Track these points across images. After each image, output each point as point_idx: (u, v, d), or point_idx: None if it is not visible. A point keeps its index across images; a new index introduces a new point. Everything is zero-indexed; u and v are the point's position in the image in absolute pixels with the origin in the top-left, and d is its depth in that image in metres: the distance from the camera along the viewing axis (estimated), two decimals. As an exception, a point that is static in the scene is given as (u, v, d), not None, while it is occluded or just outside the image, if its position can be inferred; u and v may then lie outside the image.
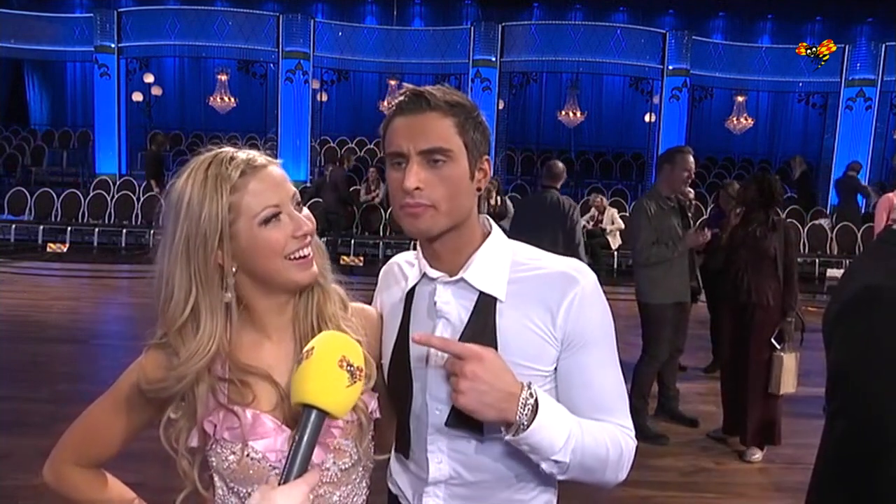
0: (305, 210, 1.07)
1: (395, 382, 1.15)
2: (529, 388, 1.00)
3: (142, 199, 10.75)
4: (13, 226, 10.37)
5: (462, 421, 1.05)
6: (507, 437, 1.00)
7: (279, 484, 0.83)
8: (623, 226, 9.43)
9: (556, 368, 1.10)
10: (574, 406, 1.07)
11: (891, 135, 13.29)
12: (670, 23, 16.28)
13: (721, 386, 4.07)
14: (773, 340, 3.71)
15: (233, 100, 13.74)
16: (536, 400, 0.99)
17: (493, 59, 13.10)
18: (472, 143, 1.08)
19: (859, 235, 10.10)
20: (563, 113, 14.25)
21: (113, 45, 13.06)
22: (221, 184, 0.99)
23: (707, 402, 4.61)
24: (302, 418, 0.86)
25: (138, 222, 10.60)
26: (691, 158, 4.00)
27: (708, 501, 3.41)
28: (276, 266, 1.02)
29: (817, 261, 9.77)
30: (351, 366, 0.89)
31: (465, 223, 1.10)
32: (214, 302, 1.03)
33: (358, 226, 10.42)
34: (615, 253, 9.49)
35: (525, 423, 0.98)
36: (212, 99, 13.72)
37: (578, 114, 14.14)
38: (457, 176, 1.06)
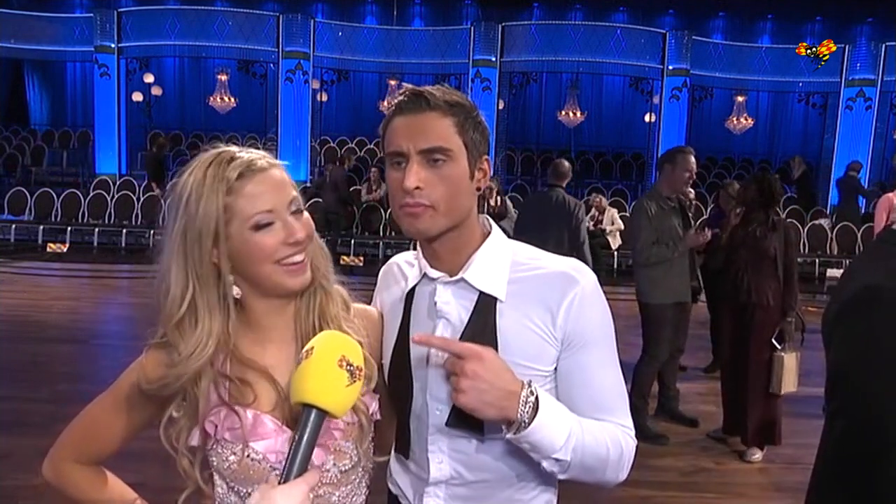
0: (305, 215, 1.06)
1: (395, 383, 1.15)
2: (530, 386, 1.00)
3: (142, 199, 10.75)
4: (13, 226, 10.37)
5: (463, 421, 1.05)
6: (508, 436, 1.00)
7: (279, 483, 0.83)
8: (623, 226, 9.42)
9: (556, 368, 1.10)
10: (574, 406, 1.07)
11: (891, 135, 13.29)
12: (670, 23, 16.28)
13: (721, 386, 4.07)
14: (773, 340, 3.71)
15: (233, 100, 13.74)
16: (537, 398, 0.99)
17: (493, 59, 13.10)
18: (472, 142, 1.08)
19: (859, 235, 10.10)
20: (563, 113, 14.25)
21: (113, 45, 13.06)
22: (218, 184, 0.99)
23: (707, 402, 4.61)
24: (302, 418, 0.86)
25: (138, 222, 10.60)
26: (692, 159, 4.00)
27: (708, 501, 3.41)
28: (267, 270, 1.02)
29: (817, 261, 9.77)
30: (351, 365, 0.89)
31: (464, 223, 1.10)
32: (212, 299, 1.03)
33: (358, 226, 10.42)
34: (615, 253, 9.49)
35: (526, 420, 0.98)
36: (212, 99, 13.72)
37: (578, 114, 14.14)
38: (457, 176, 1.06)
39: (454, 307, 1.11)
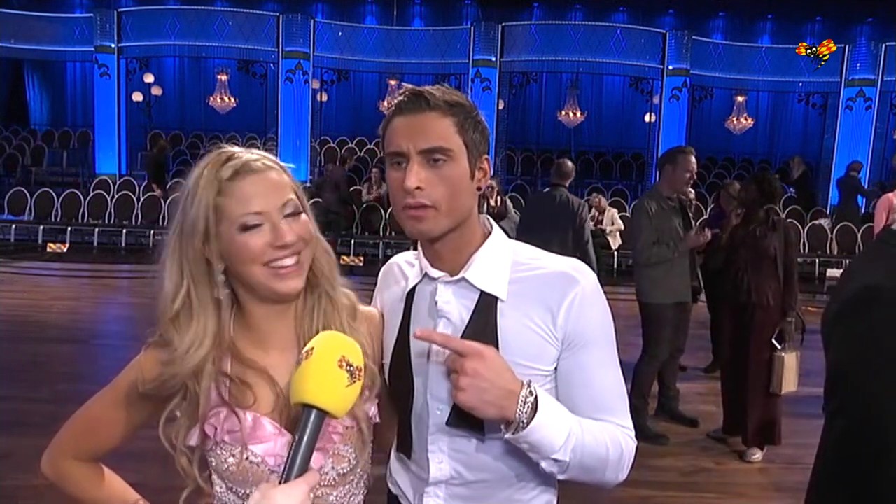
0: (303, 218, 1.05)
1: (395, 382, 1.15)
2: (529, 386, 1.00)
3: (142, 199, 10.75)
4: (13, 226, 10.37)
5: (463, 420, 1.05)
6: (507, 436, 1.00)
7: (280, 483, 0.84)
8: (623, 226, 9.42)
9: (556, 368, 1.10)
10: (574, 406, 1.07)
11: (891, 135, 13.29)
12: (670, 23, 16.28)
13: (721, 386, 4.08)
14: (773, 340, 3.71)
15: (233, 100, 13.74)
16: (536, 398, 0.99)
17: (493, 59, 13.10)
18: (472, 142, 1.08)
19: (859, 235, 10.10)
20: (563, 113, 14.25)
21: (113, 45, 13.06)
22: (211, 183, 1.00)
23: (707, 402, 4.61)
24: (302, 418, 0.86)
25: (138, 222, 10.60)
26: (693, 159, 4.01)
27: (708, 501, 3.41)
28: (255, 272, 1.02)
29: (817, 261, 9.77)
30: (350, 365, 0.89)
31: (465, 223, 1.11)
32: (206, 298, 1.03)
33: (358, 226, 10.42)
34: (615, 253, 9.49)
35: (525, 420, 0.98)
36: (212, 99, 13.72)
37: (578, 114, 14.14)
38: (457, 175, 1.06)
39: (455, 306, 1.11)
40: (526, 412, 0.98)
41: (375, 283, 1.28)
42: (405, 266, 1.23)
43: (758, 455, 3.81)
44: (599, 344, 1.10)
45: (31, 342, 5.67)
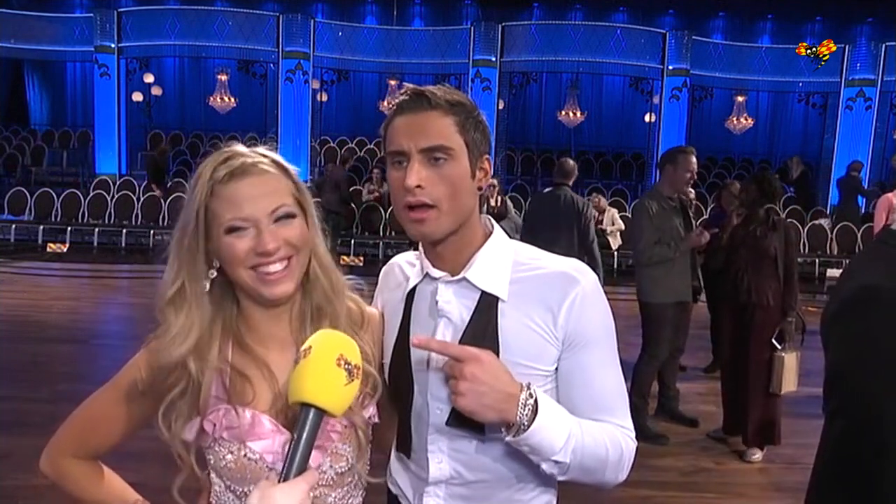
0: (294, 223, 1.04)
1: (395, 382, 1.15)
2: (529, 388, 1.00)
3: (142, 199, 10.75)
4: (13, 226, 10.37)
5: (463, 420, 1.05)
6: (508, 438, 1.00)
7: (279, 482, 0.83)
8: (623, 226, 9.43)
9: (556, 368, 1.10)
10: (574, 406, 1.07)
11: (891, 135, 13.29)
12: (670, 23, 16.27)
13: (721, 386, 4.08)
14: (773, 340, 3.71)
15: (233, 100, 13.74)
16: (536, 401, 0.99)
17: (493, 59, 13.10)
18: (473, 142, 1.08)
19: (859, 235, 10.11)
20: (563, 113, 14.25)
21: (113, 45, 13.06)
22: (205, 184, 1.02)
23: (707, 402, 4.61)
24: (300, 417, 0.86)
25: (138, 222, 10.60)
26: (694, 159, 4.01)
27: (708, 501, 3.41)
28: (242, 275, 1.03)
29: (817, 261, 9.78)
30: (349, 364, 0.89)
31: (466, 223, 1.11)
32: (197, 292, 1.05)
33: (358, 226, 10.42)
34: (615, 253, 9.49)
35: (525, 423, 0.98)
36: (212, 99, 13.72)
37: (578, 114, 14.14)
38: (458, 175, 1.06)
39: (455, 306, 1.11)
40: (526, 415, 0.98)
41: (376, 283, 1.28)
42: (406, 266, 1.23)
43: (758, 455, 3.81)
44: (600, 344, 1.10)
45: (31, 342, 5.67)
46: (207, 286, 1.05)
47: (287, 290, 1.04)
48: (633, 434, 1.11)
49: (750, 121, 14.01)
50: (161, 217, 10.50)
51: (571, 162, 4.94)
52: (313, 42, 13.15)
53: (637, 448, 1.11)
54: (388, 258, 1.32)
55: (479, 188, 1.12)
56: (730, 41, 14.93)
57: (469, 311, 1.09)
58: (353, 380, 0.89)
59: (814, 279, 9.38)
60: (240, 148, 1.07)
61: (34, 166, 13.40)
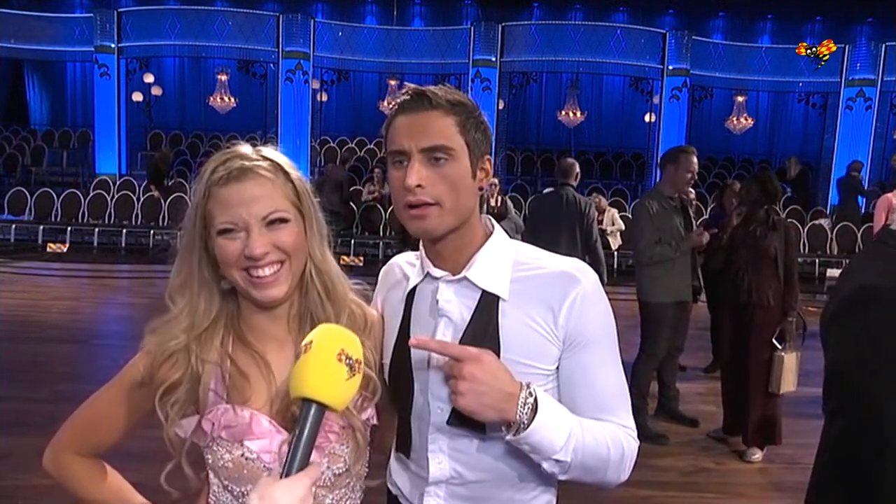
0: (287, 228, 1.05)
1: (396, 382, 1.15)
2: (529, 387, 1.00)
3: (142, 199, 10.75)
4: (13, 226, 10.37)
5: (464, 420, 1.05)
6: (508, 437, 1.00)
7: (281, 478, 0.83)
8: (623, 226, 9.43)
9: (557, 368, 1.10)
10: (575, 405, 1.08)
11: (891, 135, 13.29)
12: (670, 23, 16.27)
13: (721, 386, 4.08)
14: (773, 340, 3.71)
15: (233, 100, 13.74)
16: (536, 399, 0.99)
17: (493, 59, 13.10)
18: (474, 142, 1.08)
19: (859, 235, 10.11)
20: (563, 113, 14.25)
21: (113, 45, 13.06)
22: (203, 185, 1.04)
23: (707, 402, 4.61)
24: (301, 412, 0.86)
25: (138, 222, 10.60)
26: (695, 159, 4.01)
27: (708, 501, 3.41)
28: (234, 276, 1.05)
29: (817, 261, 9.78)
30: (350, 359, 0.88)
31: (467, 222, 1.11)
32: (194, 285, 1.07)
33: (358, 226, 10.42)
34: (615, 253, 9.49)
35: (525, 422, 0.98)
36: (212, 99, 13.72)
37: (578, 114, 14.14)
38: (458, 174, 1.06)
39: (456, 305, 1.11)
40: (526, 413, 0.98)
41: (376, 283, 1.29)
42: (406, 266, 1.23)
43: (758, 455, 3.81)
44: (601, 343, 1.10)
45: (31, 342, 5.67)
46: (227, 284, 1.08)
47: (276, 295, 1.05)
48: (634, 433, 1.11)
49: (750, 121, 14.01)
50: (161, 217, 10.50)
51: (570, 160, 4.92)
52: (313, 42, 13.15)
53: (637, 448, 1.11)
54: (388, 258, 1.32)
55: (480, 188, 1.12)
56: (730, 41, 14.93)
57: (470, 311, 1.09)
58: (354, 374, 0.89)
59: (814, 279, 9.38)
60: (242, 149, 1.07)
61: (34, 166, 13.40)
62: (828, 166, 13.44)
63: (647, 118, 14.28)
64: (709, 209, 9.63)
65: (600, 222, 9.66)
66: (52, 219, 10.55)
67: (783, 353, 3.68)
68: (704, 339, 5.52)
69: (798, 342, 3.77)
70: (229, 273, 1.04)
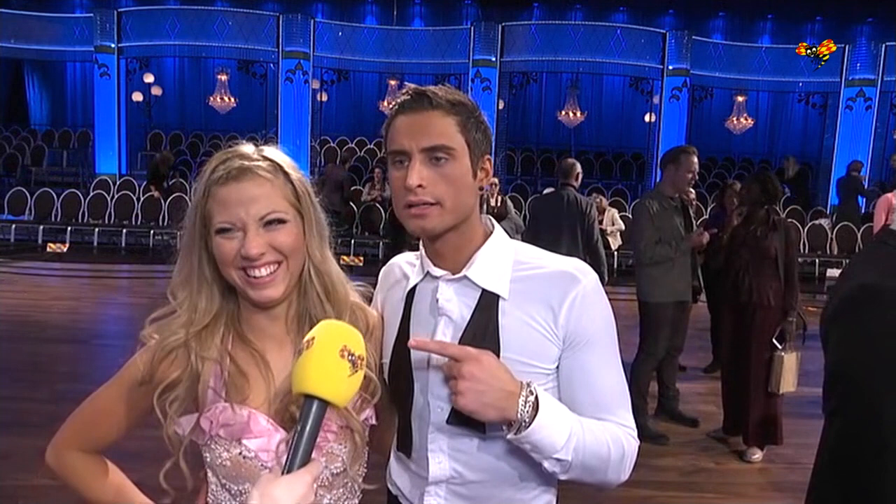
0: (285, 229, 1.05)
1: (395, 382, 1.15)
2: (529, 386, 1.00)
3: (142, 199, 10.75)
4: (13, 226, 10.37)
5: (464, 419, 1.06)
6: (510, 437, 1.00)
7: (283, 474, 0.82)
8: (623, 226, 9.43)
9: (557, 367, 1.10)
10: (575, 405, 1.08)
11: (891, 135, 13.29)
12: (670, 23, 16.27)
13: (721, 386, 4.08)
14: (774, 340, 3.71)
15: (233, 100, 13.74)
16: (537, 398, 0.99)
17: (493, 59, 13.10)
18: (474, 142, 1.08)
19: (859, 235, 10.11)
20: (563, 113, 14.25)
21: (113, 45, 13.06)
22: (203, 183, 1.04)
23: (707, 402, 4.61)
24: (303, 409, 0.85)
25: (138, 222, 10.60)
26: (695, 159, 4.01)
27: (708, 501, 3.41)
28: (232, 275, 1.05)
29: (817, 261, 9.78)
30: (352, 355, 0.88)
31: (466, 221, 1.11)
32: (195, 281, 1.08)
33: (358, 226, 10.43)
34: (615, 253, 9.49)
35: (526, 420, 0.98)
36: (212, 99, 13.72)
37: (578, 114, 14.14)
38: (459, 174, 1.06)
39: (456, 305, 1.11)
40: (527, 412, 0.98)
41: (375, 283, 1.29)
42: (406, 266, 1.23)
43: (758, 455, 3.81)
44: (601, 343, 1.10)
45: (31, 342, 5.67)
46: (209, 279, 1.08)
47: (272, 295, 1.05)
48: (635, 433, 1.11)
49: (750, 121, 14.01)
50: (161, 217, 10.50)
51: (570, 160, 4.93)
52: (313, 42, 13.15)
53: (638, 447, 1.11)
54: (387, 258, 1.32)
55: (480, 188, 1.12)
56: (730, 41, 14.92)
57: (470, 310, 1.09)
58: (356, 370, 0.88)
59: (814, 279, 9.38)
60: (243, 149, 1.07)
61: (34, 166, 13.40)
62: (828, 166, 13.44)
63: (647, 118, 14.28)
64: (709, 209, 9.63)
65: (600, 222, 9.66)
66: (52, 219, 10.55)
67: (783, 353, 3.68)
68: (704, 339, 5.52)
69: (798, 342, 3.77)
70: (227, 272, 1.05)
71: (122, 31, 13.10)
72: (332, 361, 0.86)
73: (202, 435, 1.07)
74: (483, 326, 1.07)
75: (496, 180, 8.08)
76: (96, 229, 10.25)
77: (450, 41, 13.51)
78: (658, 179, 4.49)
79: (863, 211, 11.07)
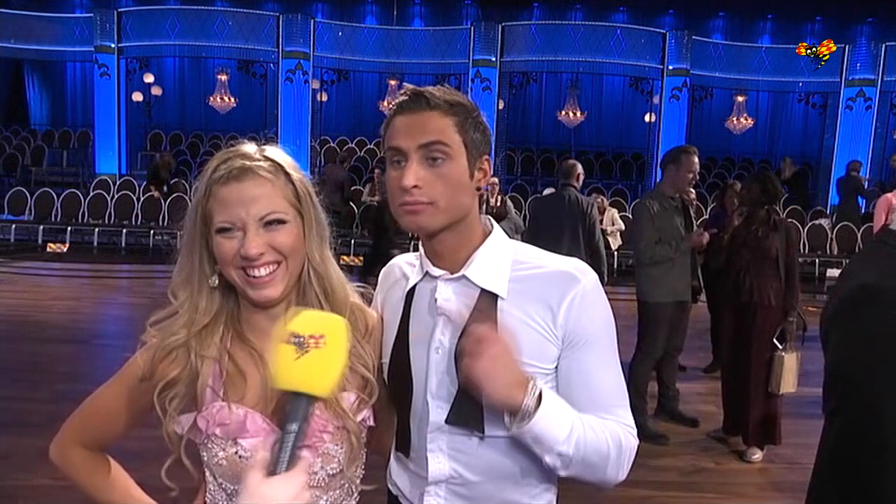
0: (285, 229, 1.05)
1: (394, 382, 1.15)
2: (534, 379, 1.01)
3: (142, 199, 10.75)
4: (13, 226, 10.37)
5: (462, 418, 1.06)
6: (513, 429, 1.00)
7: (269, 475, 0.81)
8: (623, 226, 9.42)
9: (556, 367, 1.10)
10: (574, 404, 1.07)
11: (891, 135, 13.29)
12: (670, 23, 16.27)
13: (721, 386, 4.08)
14: (774, 340, 3.71)
15: (233, 100, 13.74)
16: (540, 391, 1.00)
17: (493, 59, 13.10)
18: (472, 142, 1.08)
19: (859, 235, 10.11)
20: (563, 113, 14.25)
21: (113, 45, 13.06)
22: (204, 183, 1.05)
23: (707, 402, 4.61)
24: (286, 406, 0.85)
25: (138, 222, 10.60)
26: (696, 159, 4.01)
27: (708, 501, 3.41)
28: (231, 274, 1.05)
29: (817, 261, 9.77)
30: (298, 336, 0.85)
31: (464, 221, 1.11)
32: (195, 281, 1.08)
33: (358, 226, 10.43)
34: (615, 253, 9.48)
35: (532, 408, 0.98)
36: (212, 99, 13.72)
37: (578, 114, 14.14)
38: (455, 174, 1.06)
39: (455, 304, 1.11)
40: (533, 402, 0.99)
41: (376, 283, 1.29)
42: (406, 267, 1.23)
43: (758, 455, 3.81)
44: (600, 343, 1.10)
45: (31, 342, 5.67)
46: (216, 281, 1.08)
47: (271, 295, 1.05)
48: (634, 431, 1.11)
49: (750, 121, 14.01)
50: (161, 217, 10.50)
51: (571, 161, 4.96)
52: (313, 42, 13.15)
53: (637, 447, 1.11)
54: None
55: (478, 188, 1.12)
56: (730, 41, 14.92)
57: (469, 309, 1.09)
58: (305, 351, 0.85)
59: (814, 279, 9.38)
60: (245, 149, 1.07)
61: (34, 166, 13.40)
62: (828, 166, 13.44)
63: (647, 118, 14.28)
64: (709, 209, 9.63)
65: (600, 222, 9.65)
66: (52, 219, 10.54)
67: (784, 354, 3.68)
68: (704, 339, 5.52)
69: (799, 342, 3.77)
70: (227, 271, 1.05)
71: (122, 31, 13.10)
72: (279, 351, 0.85)
73: (199, 434, 1.07)
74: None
75: (496, 180, 8.08)
76: (96, 229, 10.25)
77: (450, 41, 13.51)
78: (658, 179, 4.50)
79: (863, 211, 11.07)
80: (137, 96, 13.63)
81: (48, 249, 9.64)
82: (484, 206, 7.61)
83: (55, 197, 10.68)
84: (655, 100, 13.63)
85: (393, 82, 13.58)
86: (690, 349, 4.94)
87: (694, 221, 4.26)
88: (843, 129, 13.22)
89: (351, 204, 10.29)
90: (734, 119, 13.91)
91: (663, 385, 4.38)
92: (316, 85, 13.76)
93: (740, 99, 14.01)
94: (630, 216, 7.29)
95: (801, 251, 9.76)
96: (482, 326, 1.01)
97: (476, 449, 1.10)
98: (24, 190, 10.97)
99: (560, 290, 1.08)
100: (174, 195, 10.53)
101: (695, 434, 4.17)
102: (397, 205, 1.08)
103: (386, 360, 1.17)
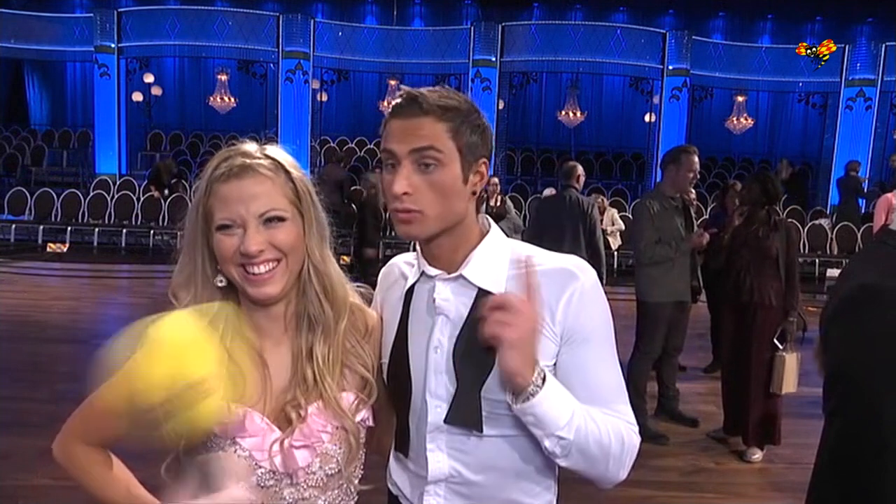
0: (285, 227, 1.05)
1: (393, 381, 1.15)
2: (539, 363, 1.02)
3: (142, 199, 10.75)
4: (13, 226, 10.37)
5: (461, 417, 1.06)
6: (516, 407, 1.01)
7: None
8: (623, 226, 9.42)
9: (555, 364, 1.10)
10: (574, 402, 1.08)
11: (891, 135, 13.29)
12: (670, 23, 16.27)
13: (721, 386, 4.08)
14: (775, 340, 3.71)
15: (233, 100, 13.74)
16: (545, 374, 1.01)
17: (493, 59, 13.10)
18: (467, 147, 1.08)
19: (859, 235, 10.11)
20: (563, 113, 14.25)
21: (113, 45, 13.06)
22: (205, 180, 1.05)
23: (707, 402, 4.61)
24: None
25: (138, 222, 10.60)
26: (696, 159, 4.02)
27: (708, 501, 3.41)
28: (231, 272, 1.06)
29: (817, 261, 9.78)
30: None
31: (459, 224, 1.11)
32: (196, 277, 1.08)
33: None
34: (615, 253, 9.48)
35: (538, 385, 0.99)
36: (212, 99, 13.72)
37: (578, 114, 14.14)
38: (447, 181, 1.06)
39: (453, 304, 1.11)
40: (539, 381, 0.99)
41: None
42: (405, 266, 1.23)
43: (758, 455, 3.81)
44: (598, 340, 1.10)
45: (31, 342, 5.68)
46: (223, 281, 1.09)
47: (271, 293, 1.05)
48: (636, 429, 1.11)
49: (750, 121, 14.01)
50: (161, 217, 10.50)
51: (572, 162, 5.01)
52: (313, 42, 13.15)
53: (639, 444, 1.11)
54: (388, 258, 1.32)
55: (474, 192, 1.12)
56: (730, 41, 14.92)
57: (467, 308, 1.09)
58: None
59: (814, 279, 9.38)
60: (246, 147, 1.08)
61: (34, 166, 13.40)
62: (828, 166, 13.44)
63: (647, 118, 14.28)
64: (709, 209, 9.63)
65: (600, 222, 9.65)
66: (52, 219, 10.55)
67: (784, 354, 3.68)
68: (704, 339, 5.52)
69: (799, 342, 3.77)
70: (227, 269, 1.06)
71: (122, 31, 13.10)
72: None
73: None
74: (480, 325, 1.07)
75: (496, 180, 8.08)
76: (96, 229, 10.26)
77: (450, 41, 13.51)
78: (658, 179, 4.50)
79: (863, 211, 11.07)
80: (137, 96, 13.64)
81: (48, 249, 9.65)
82: (484, 206, 7.61)
83: (55, 197, 10.69)
84: (655, 100, 13.63)
85: (393, 82, 13.57)
86: (690, 349, 4.94)
87: (694, 221, 4.26)
88: (843, 129, 13.22)
89: (351, 204, 10.28)
90: (734, 119, 13.91)
91: (663, 385, 4.38)
92: (316, 85, 13.76)
93: (740, 99, 14.01)
94: (630, 216, 7.30)
95: (802, 251, 9.76)
96: (524, 301, 1.00)
97: (475, 448, 1.10)
98: (24, 190, 10.97)
99: (558, 287, 1.08)
100: (174, 195, 10.54)
101: (695, 434, 4.17)
102: (391, 210, 1.09)
103: (386, 360, 1.17)
